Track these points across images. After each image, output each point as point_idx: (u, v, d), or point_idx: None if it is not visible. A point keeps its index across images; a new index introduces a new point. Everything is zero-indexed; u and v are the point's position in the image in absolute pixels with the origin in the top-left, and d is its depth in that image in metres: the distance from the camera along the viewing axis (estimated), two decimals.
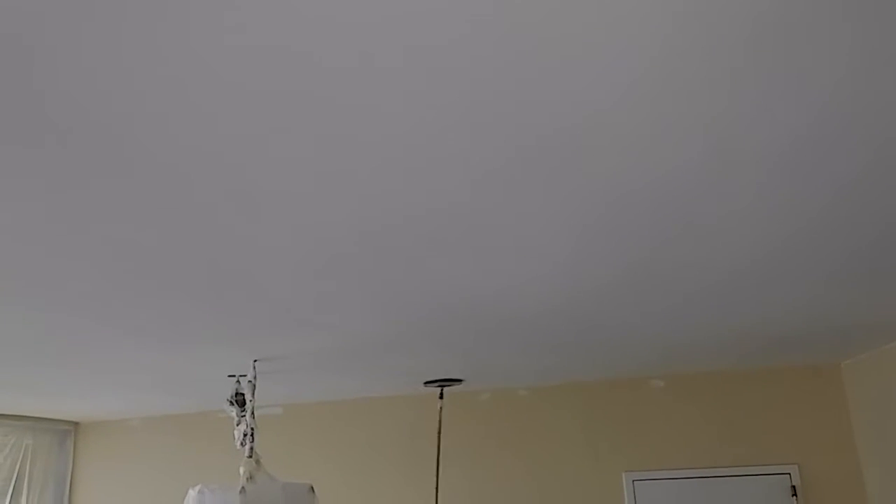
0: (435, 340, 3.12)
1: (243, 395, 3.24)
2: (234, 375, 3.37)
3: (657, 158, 1.42)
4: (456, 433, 4.78)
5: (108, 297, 2.22)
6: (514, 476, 4.59)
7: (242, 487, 2.80)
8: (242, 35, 0.98)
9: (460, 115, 1.22)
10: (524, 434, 4.65)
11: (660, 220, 1.77)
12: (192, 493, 2.80)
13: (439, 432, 4.20)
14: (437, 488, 4.14)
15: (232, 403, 3.23)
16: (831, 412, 4.31)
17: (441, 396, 4.30)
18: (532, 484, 4.52)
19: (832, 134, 1.37)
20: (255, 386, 3.25)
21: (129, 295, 2.21)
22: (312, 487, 3.00)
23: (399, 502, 4.74)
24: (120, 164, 1.34)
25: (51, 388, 3.89)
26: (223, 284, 2.14)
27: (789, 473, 4.23)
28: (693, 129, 1.31)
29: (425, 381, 4.23)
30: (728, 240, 1.93)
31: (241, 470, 2.99)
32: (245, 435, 3.13)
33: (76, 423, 5.50)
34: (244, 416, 3.19)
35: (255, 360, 3.25)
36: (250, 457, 3.05)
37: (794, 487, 4.19)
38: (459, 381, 4.24)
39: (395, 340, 3.07)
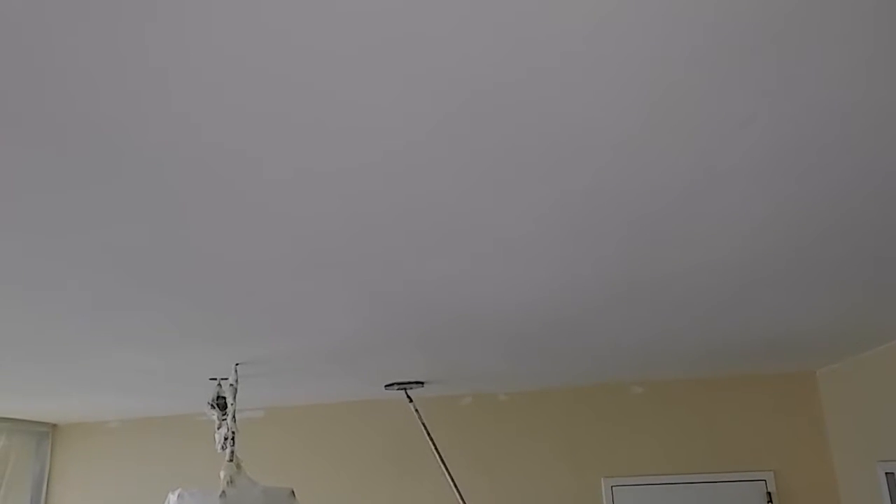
0: (416, 344, 3.13)
1: (224, 398, 3.23)
2: (215, 378, 3.37)
3: (644, 164, 1.44)
4: (436, 438, 4.80)
5: (89, 298, 2.21)
6: (492, 481, 4.61)
7: (223, 491, 2.80)
8: (234, 35, 0.99)
9: (447, 118, 1.23)
10: (504, 439, 4.68)
11: (646, 227, 1.80)
12: (171, 497, 2.80)
13: (428, 434, 4.18)
14: (456, 488, 4.10)
15: (213, 406, 3.22)
16: (807, 419, 4.38)
17: (410, 399, 4.26)
18: (511, 488, 4.54)
19: (818, 143, 1.39)
20: (236, 389, 3.25)
21: (110, 296, 2.20)
22: (293, 491, 3.01)
23: None
24: (105, 165, 1.35)
25: (28, 389, 3.85)
26: (205, 286, 2.14)
27: (765, 480, 4.29)
28: (681, 136, 1.33)
29: (386, 384, 4.18)
30: (713, 248, 1.97)
31: (222, 474, 2.99)
32: (226, 438, 3.13)
33: (54, 425, 5.45)
34: (225, 419, 3.18)
35: (237, 364, 3.25)
36: (231, 460, 3.05)
37: (769, 494, 4.25)
38: (421, 383, 4.22)
39: (376, 344, 3.08)
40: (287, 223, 1.67)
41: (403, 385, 4.20)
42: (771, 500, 4.24)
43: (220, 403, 3.21)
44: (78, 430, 5.42)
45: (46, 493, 5.31)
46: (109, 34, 0.96)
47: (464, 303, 2.46)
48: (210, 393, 3.25)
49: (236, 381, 3.26)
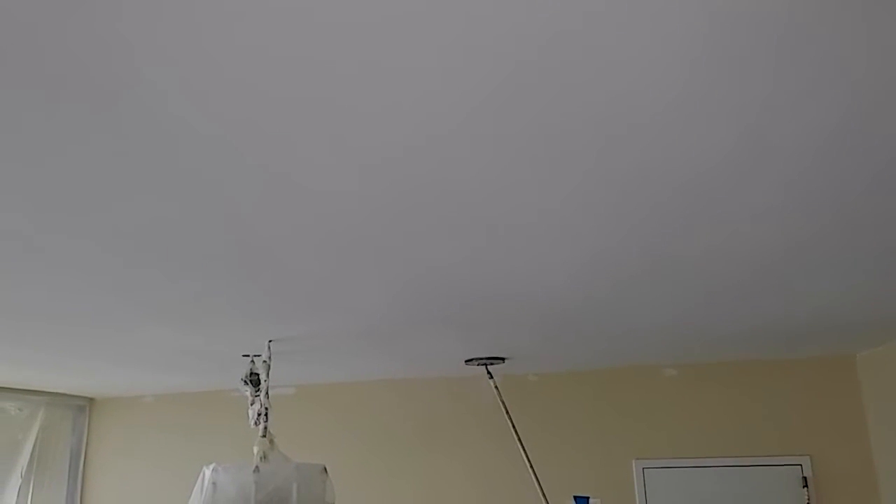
0: (451, 325, 3.12)
1: (258, 374, 3.25)
2: (248, 355, 3.39)
3: (687, 145, 1.40)
4: (464, 419, 4.80)
5: (127, 273, 2.22)
6: (522, 462, 4.61)
7: (256, 466, 2.82)
8: (255, 18, 0.97)
9: (489, 92, 1.20)
10: (534, 420, 4.66)
11: (687, 209, 1.76)
12: (206, 471, 2.83)
13: (506, 410, 4.13)
14: (531, 465, 4.08)
15: (246, 383, 3.25)
16: (845, 404, 4.29)
17: (490, 376, 4.19)
18: (541, 470, 4.53)
19: (866, 126, 1.34)
20: (269, 366, 3.27)
21: (149, 272, 2.21)
22: (325, 468, 3.02)
23: (412, 485, 4.77)
24: (147, 137, 1.34)
25: (66, 363, 3.93)
26: (242, 263, 2.15)
27: (801, 465, 4.22)
28: (726, 117, 1.29)
29: (466, 359, 4.08)
30: (756, 231, 1.91)
31: (255, 449, 3.01)
32: (259, 414, 3.15)
33: (91, 399, 5.56)
34: (258, 395, 3.21)
35: (270, 341, 3.27)
36: (264, 436, 3.07)
37: (805, 479, 4.18)
38: (502, 359, 4.09)
39: (407, 323, 3.08)
40: (320, 201, 1.66)
41: (484, 361, 4.12)
42: (807, 486, 4.17)
43: (254, 380, 3.23)
44: (114, 404, 5.53)
45: (84, 466, 5.44)
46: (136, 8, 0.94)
47: (494, 283, 2.43)
48: (243, 369, 3.28)
49: (269, 357, 3.28)
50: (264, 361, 3.27)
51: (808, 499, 4.15)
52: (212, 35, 1.02)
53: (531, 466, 4.06)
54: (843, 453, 4.21)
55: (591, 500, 4.46)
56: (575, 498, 4.45)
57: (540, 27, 1.02)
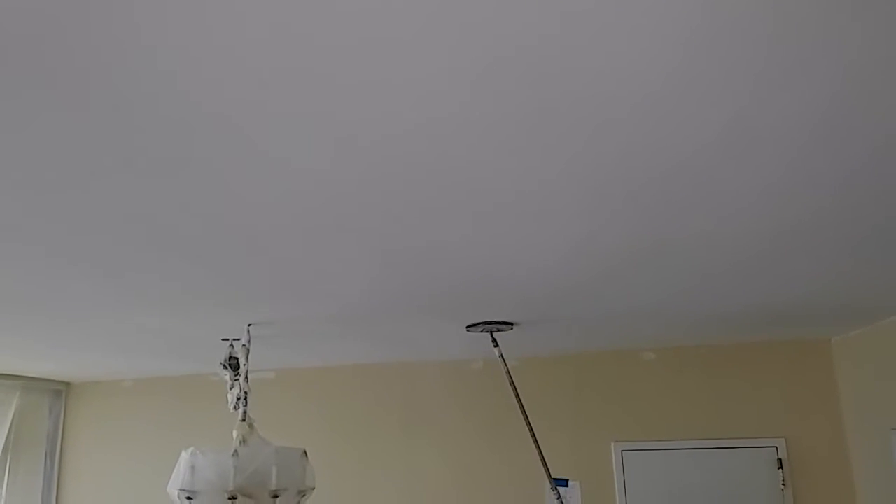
0: (428, 309, 3.11)
1: (237, 358, 3.23)
2: (227, 339, 3.37)
3: (674, 130, 1.40)
4: (443, 402, 4.82)
5: (105, 255, 2.19)
6: (501, 446, 4.63)
7: (235, 451, 2.81)
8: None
9: (477, 74, 1.19)
10: (513, 403, 4.67)
11: (673, 194, 1.76)
12: (184, 455, 2.81)
13: (513, 385, 3.73)
14: (538, 446, 3.78)
15: (225, 367, 3.23)
16: (820, 387, 4.35)
17: (495, 344, 3.65)
18: (521, 453, 4.56)
19: (851, 114, 1.35)
20: (249, 350, 3.25)
21: (126, 254, 2.18)
22: (305, 452, 3.02)
23: (392, 469, 4.78)
24: (121, 116, 1.31)
25: (43, 347, 3.88)
26: (221, 245, 2.12)
27: (776, 447, 4.28)
28: (713, 102, 1.29)
29: (468, 325, 3.52)
30: (736, 210, 1.92)
31: (234, 433, 3.00)
32: (238, 399, 3.14)
33: (68, 384, 5.50)
34: (237, 379, 3.19)
35: (250, 324, 3.24)
36: (243, 420, 3.06)
37: (780, 460, 4.25)
38: (510, 325, 3.53)
39: (389, 307, 3.07)
40: (300, 181, 1.64)
41: (490, 326, 3.52)
42: (782, 467, 4.24)
43: (233, 364, 3.21)
44: (92, 388, 5.47)
45: (60, 451, 5.39)
46: None
47: (478, 266, 2.43)
48: (223, 353, 3.26)
49: (249, 341, 3.26)
50: (244, 345, 3.25)
51: (783, 480, 4.22)
52: (188, 5, 0.99)
53: (537, 443, 3.92)
54: (818, 435, 4.28)
55: (570, 483, 4.49)
56: (554, 480, 4.48)
57: (532, 11, 1.01)
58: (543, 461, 3.85)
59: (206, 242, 2.08)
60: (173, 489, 2.75)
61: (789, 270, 2.58)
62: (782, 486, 4.21)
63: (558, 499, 3.89)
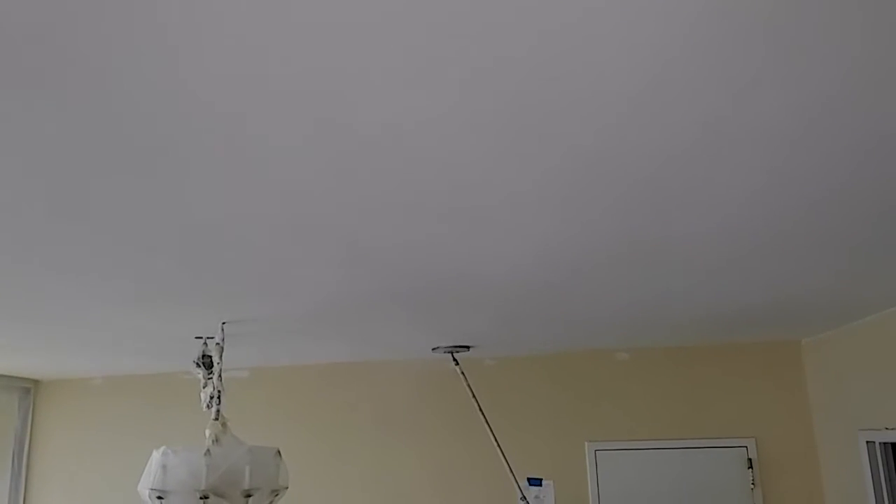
0: (402, 308, 3.10)
1: (210, 356, 3.20)
2: (201, 337, 3.33)
3: (646, 125, 1.41)
4: (419, 403, 4.81)
5: (74, 250, 2.16)
6: (475, 445, 4.64)
7: (208, 450, 2.78)
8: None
9: (452, 77, 1.19)
10: (489, 404, 4.69)
11: (643, 191, 1.77)
12: (156, 454, 2.78)
13: (473, 395, 4.29)
14: (500, 448, 4.21)
15: (198, 365, 3.19)
16: (790, 388, 4.42)
17: (456, 363, 4.35)
18: (493, 451, 4.57)
19: (829, 116, 1.37)
20: (222, 348, 3.22)
21: (96, 249, 2.15)
22: (279, 451, 3.00)
23: (366, 468, 4.77)
24: (90, 111, 1.29)
25: (10, 345, 3.81)
26: (194, 242, 2.10)
27: (746, 447, 4.34)
28: (686, 97, 1.30)
29: (433, 347, 4.23)
30: (709, 213, 1.94)
31: (207, 432, 2.97)
32: (211, 397, 3.11)
33: (36, 381, 5.41)
34: (211, 378, 3.16)
35: (224, 322, 3.22)
36: (216, 419, 3.03)
37: (750, 460, 4.31)
38: (467, 347, 4.25)
39: (363, 306, 3.06)
40: (272, 182, 1.62)
41: (450, 349, 4.25)
42: (752, 467, 4.30)
43: (206, 362, 3.18)
44: (61, 386, 5.39)
45: (28, 450, 5.30)
46: None
47: (451, 266, 2.43)
48: (196, 351, 3.22)
49: (222, 339, 3.23)
50: (217, 344, 3.22)
51: (753, 479, 4.28)
52: None
53: (500, 449, 4.11)
54: (788, 435, 4.34)
55: (543, 482, 4.52)
56: (528, 479, 4.50)
57: (519, 17, 1.01)
58: (508, 465, 3.95)
59: (181, 239, 2.06)
60: (144, 489, 2.72)
61: (761, 273, 2.62)
62: (752, 486, 4.27)
63: (522, 499, 4.02)
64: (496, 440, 4.07)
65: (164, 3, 0.97)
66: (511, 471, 4.06)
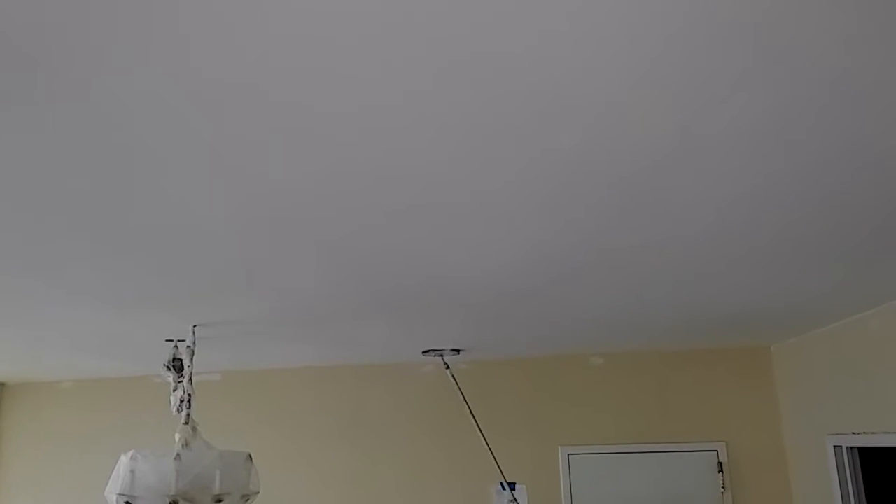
0: (375, 311, 3.09)
1: (181, 360, 3.16)
2: (171, 340, 3.30)
3: (625, 129, 1.41)
4: (391, 405, 4.80)
5: (41, 252, 2.12)
6: (450, 449, 4.64)
7: (178, 454, 2.75)
8: None
9: (426, 76, 1.19)
10: (463, 406, 4.69)
11: (620, 196, 1.78)
12: (124, 458, 2.73)
13: (465, 400, 4.39)
14: (491, 451, 4.29)
15: (169, 368, 3.15)
16: (760, 393, 4.48)
17: (447, 366, 4.42)
18: (468, 455, 4.58)
19: (795, 120, 1.38)
20: (193, 351, 3.18)
21: (63, 250, 2.12)
22: (250, 456, 2.97)
23: (340, 472, 4.74)
24: (61, 110, 1.27)
25: None
26: (162, 243, 2.07)
27: (717, 451, 4.39)
28: (664, 103, 1.31)
29: (423, 350, 4.26)
30: (685, 220, 1.96)
31: (177, 437, 2.93)
32: (182, 401, 3.07)
33: (2, 384, 5.31)
34: (181, 381, 3.12)
35: (195, 325, 3.18)
36: (186, 423, 2.99)
37: (720, 464, 4.35)
38: (458, 351, 4.30)
39: (336, 309, 3.04)
40: (245, 180, 1.61)
41: (440, 351, 4.28)
42: (722, 471, 4.34)
43: (177, 365, 3.14)
44: (29, 389, 5.29)
45: None
46: None
47: (426, 269, 2.43)
48: (166, 354, 3.18)
49: (194, 342, 3.19)
50: (188, 346, 3.18)
51: (723, 483, 4.32)
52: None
53: (491, 451, 4.17)
54: (757, 440, 4.40)
55: (517, 486, 4.52)
56: (501, 484, 4.51)
57: (487, 17, 1.01)
58: (497, 464, 3.99)
59: (148, 240, 2.04)
60: (112, 494, 2.68)
61: (734, 281, 2.65)
62: (722, 489, 4.32)
63: (512, 501, 4.06)
64: (486, 441, 4.13)
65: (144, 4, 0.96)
66: (501, 472, 4.12)
